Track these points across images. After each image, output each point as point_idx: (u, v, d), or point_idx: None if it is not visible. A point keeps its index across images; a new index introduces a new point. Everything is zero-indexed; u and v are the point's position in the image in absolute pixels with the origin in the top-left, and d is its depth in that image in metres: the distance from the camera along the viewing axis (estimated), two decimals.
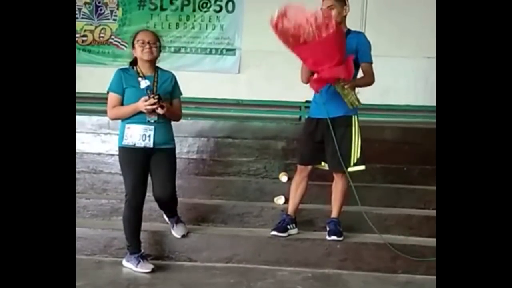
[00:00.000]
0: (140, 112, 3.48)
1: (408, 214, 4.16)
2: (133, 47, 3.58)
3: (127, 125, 3.51)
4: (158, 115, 3.49)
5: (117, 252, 3.77)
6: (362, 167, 3.73)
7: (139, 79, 3.52)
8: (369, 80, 3.71)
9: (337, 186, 3.78)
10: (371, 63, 3.71)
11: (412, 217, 4.11)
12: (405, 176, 4.66)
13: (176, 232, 3.80)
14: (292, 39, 3.36)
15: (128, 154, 3.51)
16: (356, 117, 3.73)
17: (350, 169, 3.69)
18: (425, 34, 5.82)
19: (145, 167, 3.55)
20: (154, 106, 3.43)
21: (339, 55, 3.43)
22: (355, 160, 3.69)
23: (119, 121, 3.60)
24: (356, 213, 3.85)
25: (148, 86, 3.50)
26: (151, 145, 3.52)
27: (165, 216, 3.87)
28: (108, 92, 3.56)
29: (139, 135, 3.49)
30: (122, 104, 3.53)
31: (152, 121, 3.51)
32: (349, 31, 3.73)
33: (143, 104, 3.44)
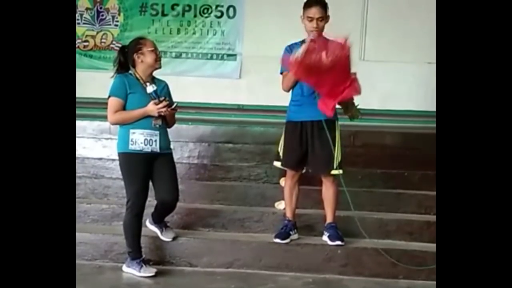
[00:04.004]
0: (145, 117, 3.49)
1: (409, 219, 4.15)
2: (137, 53, 3.54)
3: (131, 130, 3.49)
4: (162, 120, 3.51)
5: (117, 257, 3.77)
6: (340, 171, 3.72)
7: (147, 84, 3.52)
8: None
9: (329, 191, 3.76)
10: None
11: (413, 222, 4.10)
12: (406, 181, 4.65)
13: (166, 236, 3.80)
14: (311, 72, 3.44)
15: (133, 159, 3.50)
16: (338, 122, 3.75)
17: (332, 172, 3.70)
18: (425, 39, 5.80)
19: (148, 172, 3.56)
20: (164, 109, 3.46)
21: (349, 76, 3.50)
22: (337, 164, 3.69)
23: (118, 126, 3.60)
24: (356, 219, 3.85)
25: (154, 90, 3.51)
26: (158, 150, 3.54)
27: (148, 223, 3.78)
28: (109, 97, 3.54)
29: (145, 140, 3.49)
30: (124, 109, 3.52)
31: (157, 126, 3.53)
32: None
33: (154, 107, 3.46)
